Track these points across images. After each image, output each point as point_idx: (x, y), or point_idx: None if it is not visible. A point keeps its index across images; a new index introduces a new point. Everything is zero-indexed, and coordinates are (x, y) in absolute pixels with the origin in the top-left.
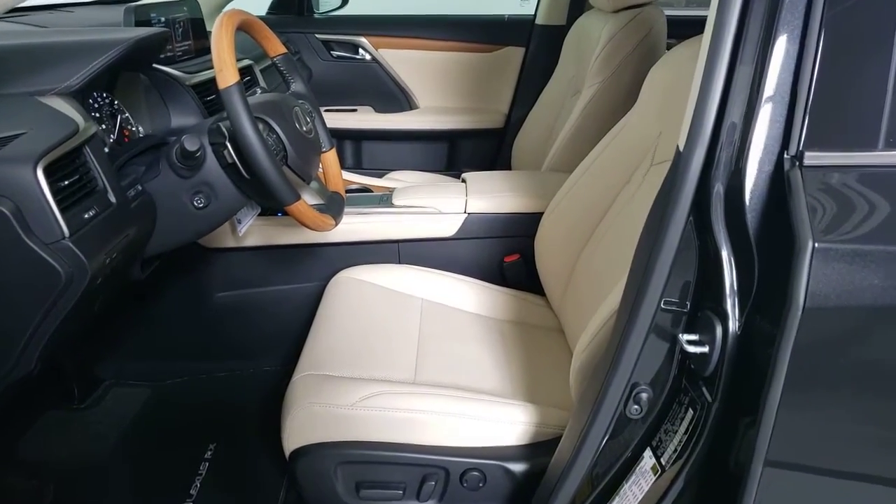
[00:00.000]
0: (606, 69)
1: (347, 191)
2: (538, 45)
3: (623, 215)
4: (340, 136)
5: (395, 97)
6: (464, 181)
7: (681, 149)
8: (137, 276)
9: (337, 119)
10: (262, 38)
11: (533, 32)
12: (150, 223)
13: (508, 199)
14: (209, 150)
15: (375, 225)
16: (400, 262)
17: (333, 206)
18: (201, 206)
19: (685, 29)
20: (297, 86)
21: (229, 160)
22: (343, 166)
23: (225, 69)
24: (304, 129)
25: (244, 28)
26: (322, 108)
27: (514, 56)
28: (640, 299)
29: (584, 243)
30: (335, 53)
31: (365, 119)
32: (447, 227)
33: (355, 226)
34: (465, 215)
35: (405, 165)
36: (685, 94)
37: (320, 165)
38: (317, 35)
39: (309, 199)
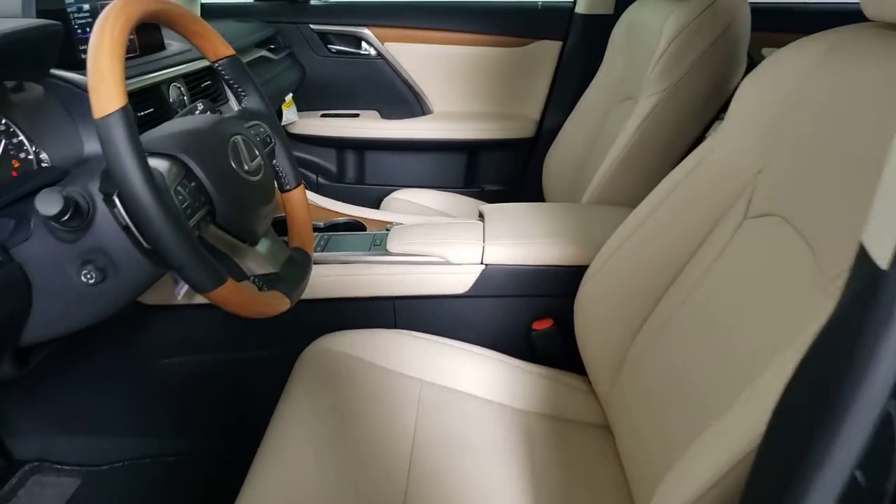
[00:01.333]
0: (672, 74)
1: (332, 226)
2: (578, 39)
3: (706, 283)
4: (340, 146)
5: (404, 100)
6: (481, 217)
7: (882, 264)
8: (9, 375)
9: (335, 126)
10: (192, 34)
11: (572, 23)
12: (18, 303)
13: (540, 246)
14: (100, 203)
15: (363, 278)
16: (396, 326)
17: (293, 272)
18: (93, 281)
19: (773, 20)
20: (250, 101)
21: (122, 221)
22: (342, 180)
23: (102, 87)
24: (248, 168)
25: (153, 20)
26: (318, 113)
27: (548, 52)
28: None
29: (646, 316)
30: (334, 48)
31: (369, 126)
32: (458, 281)
33: (337, 279)
34: (482, 267)
35: (415, 181)
36: (806, 122)
37: (279, 211)
38: (312, 26)
39: (256, 265)
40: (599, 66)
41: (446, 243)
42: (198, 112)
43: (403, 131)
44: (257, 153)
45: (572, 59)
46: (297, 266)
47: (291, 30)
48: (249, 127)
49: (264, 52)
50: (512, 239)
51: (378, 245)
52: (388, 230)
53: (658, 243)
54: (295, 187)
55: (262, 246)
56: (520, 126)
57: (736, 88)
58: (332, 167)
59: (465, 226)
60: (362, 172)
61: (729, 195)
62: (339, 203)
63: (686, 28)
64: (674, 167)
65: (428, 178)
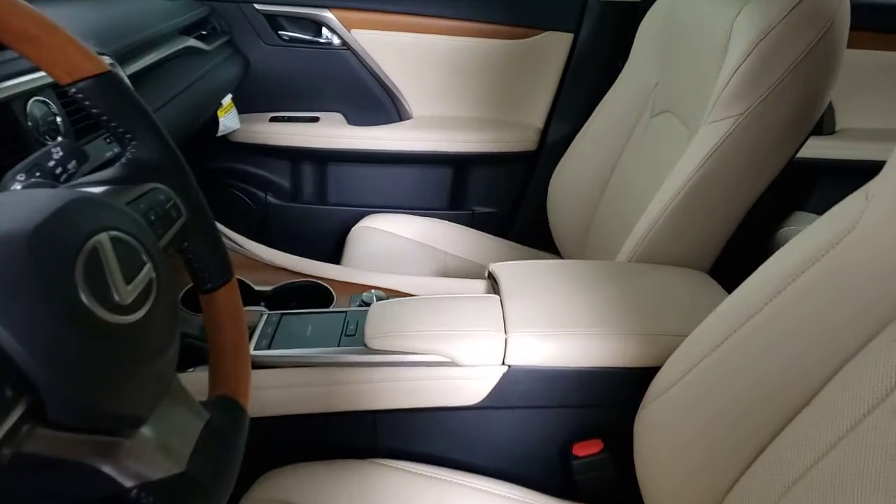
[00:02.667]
0: (752, 92)
1: (283, 290)
2: (594, 32)
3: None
4: (295, 157)
5: (376, 102)
6: (493, 283)
7: None
8: None
9: (289, 132)
10: (16, 37)
11: (586, 12)
12: None
13: (587, 338)
14: None
15: (333, 389)
16: (376, 448)
17: (212, 461)
18: None
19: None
20: (141, 147)
21: None
22: (297, 199)
23: None
24: (120, 298)
25: None
26: (267, 116)
27: (556, 46)
28: None
29: (757, 452)
30: (286, 35)
31: (331, 133)
32: (469, 389)
33: (292, 391)
34: (504, 369)
35: (389, 202)
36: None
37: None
38: (257, 6)
39: (143, 465)
40: (621, 65)
41: (452, 335)
42: (36, 176)
43: (375, 141)
44: (145, 260)
45: (586, 56)
46: (220, 444)
47: (231, 10)
48: (136, 200)
49: (192, 41)
50: (545, 326)
51: (352, 335)
52: (363, 303)
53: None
54: (221, 285)
55: (155, 425)
56: (519, 137)
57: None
58: (285, 183)
59: (475, 304)
60: (323, 191)
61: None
62: (292, 258)
63: (773, 30)
64: (749, 210)
65: (405, 199)
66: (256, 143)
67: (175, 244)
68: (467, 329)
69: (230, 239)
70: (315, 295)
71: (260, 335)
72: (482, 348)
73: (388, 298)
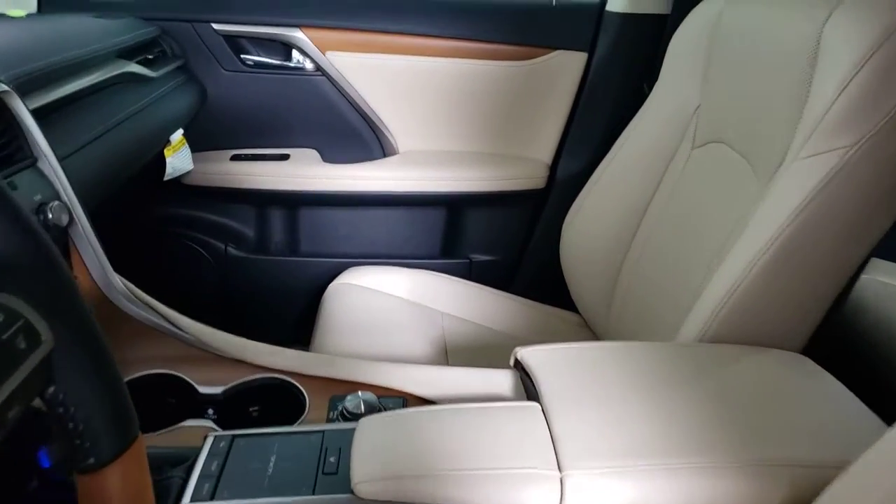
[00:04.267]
0: (869, 117)
1: (239, 392)
2: (612, 49)
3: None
4: (261, 201)
5: (356, 135)
6: (523, 373)
7: None
8: None
9: (253, 173)
10: None
11: (602, 27)
12: None
13: (687, 476)
14: None
15: None
16: None
17: None
18: None
19: None
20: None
21: None
22: (264, 250)
23: None
24: None
25: None
26: (227, 153)
27: (567, 67)
28: None
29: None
30: (249, 59)
31: (304, 173)
32: None
33: None
34: None
35: (372, 251)
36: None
37: None
38: (216, 25)
39: None
40: (647, 88)
41: (480, 477)
42: None
43: (355, 181)
44: None
45: (603, 78)
46: None
47: (184, 31)
48: None
49: (133, 66)
50: (618, 456)
51: (332, 472)
52: (346, 413)
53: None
54: (112, 459)
55: None
56: (525, 173)
57: None
58: (249, 231)
59: (508, 420)
60: (295, 240)
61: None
62: (250, 346)
63: (888, 40)
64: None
65: (391, 248)
66: (214, 185)
67: (25, 396)
68: (503, 466)
69: (167, 319)
70: (281, 397)
71: (200, 475)
72: (527, 498)
73: (378, 403)
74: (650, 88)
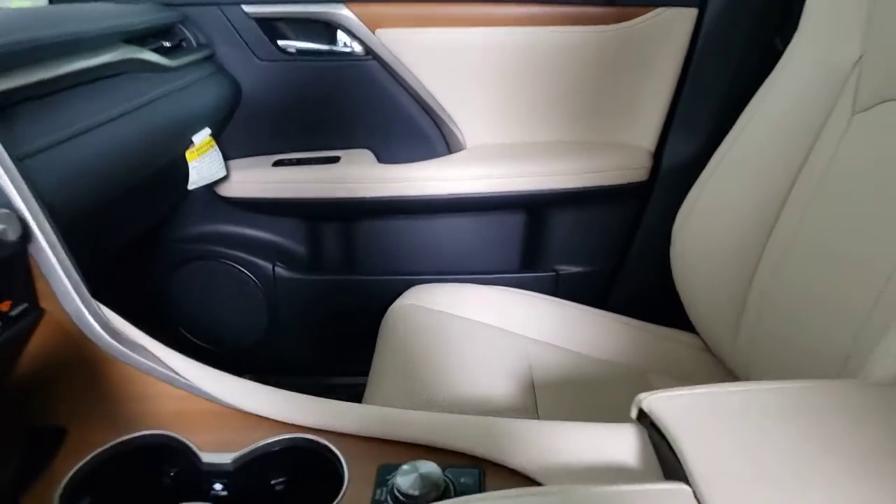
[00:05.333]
0: None
1: (255, 460)
2: (731, 2)
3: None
4: (310, 213)
5: (416, 130)
6: (655, 431)
7: None
8: None
9: (300, 180)
10: None
11: None
12: None
13: None
14: None
15: None
16: None
17: None
18: None
19: None
20: None
21: None
22: (316, 269)
23: None
24: None
25: None
26: (269, 159)
27: (672, 29)
28: None
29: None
30: (289, 45)
31: (358, 177)
32: None
33: None
34: None
35: (440, 267)
36: None
37: None
38: (246, 8)
39: None
40: (781, 45)
41: None
42: None
43: (416, 183)
44: None
45: (720, 39)
46: None
47: (211, 16)
48: None
49: (143, 53)
50: None
51: None
52: (399, 496)
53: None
54: None
55: None
56: (622, 163)
57: None
58: (299, 248)
59: None
60: (352, 255)
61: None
62: (265, 392)
63: None
64: None
65: (462, 261)
66: (256, 197)
67: None
68: None
69: (161, 361)
70: (312, 465)
71: None
72: None
73: (443, 478)
74: (785, 44)
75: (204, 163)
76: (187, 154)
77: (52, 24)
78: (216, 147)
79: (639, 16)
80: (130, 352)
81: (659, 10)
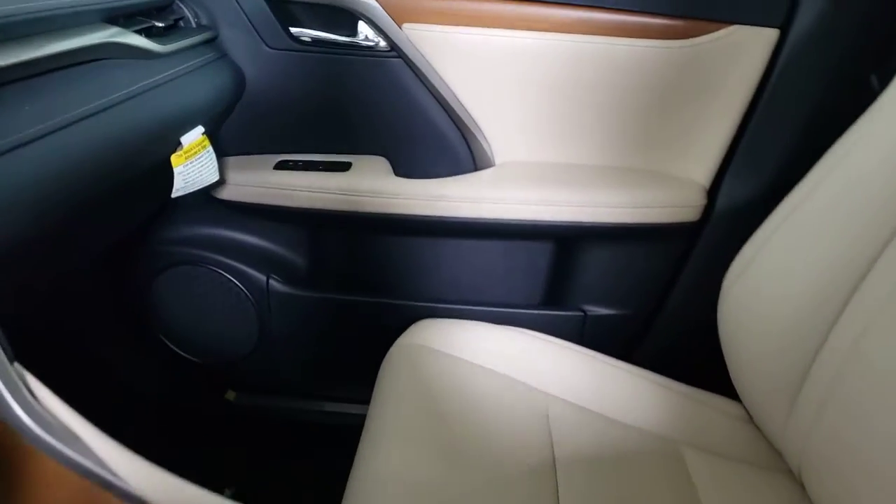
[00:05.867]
0: None
1: None
2: (820, 26)
3: None
4: (313, 223)
5: (440, 140)
6: None
7: None
8: None
9: (305, 186)
10: None
11: None
12: None
13: None
14: None
15: None
16: None
17: None
18: None
19: None
20: None
21: None
22: (315, 286)
23: None
24: None
25: None
26: (272, 159)
27: (745, 49)
28: None
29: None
30: (301, 33)
31: (370, 188)
32: None
33: None
34: None
35: (454, 292)
36: None
37: None
38: None
39: None
40: (878, 83)
41: None
42: None
43: (435, 202)
44: None
45: (802, 66)
46: None
47: None
48: None
49: (126, 37)
50: None
51: None
52: None
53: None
54: None
55: None
56: (670, 198)
57: None
58: (298, 259)
59: None
60: (354, 273)
61: None
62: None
63: None
64: None
65: (478, 290)
66: (253, 202)
67: None
68: None
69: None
70: None
71: None
72: None
73: None
74: (883, 84)
75: (193, 167)
76: (173, 158)
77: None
78: (209, 148)
79: (709, 32)
80: (57, 442)
81: (734, 27)
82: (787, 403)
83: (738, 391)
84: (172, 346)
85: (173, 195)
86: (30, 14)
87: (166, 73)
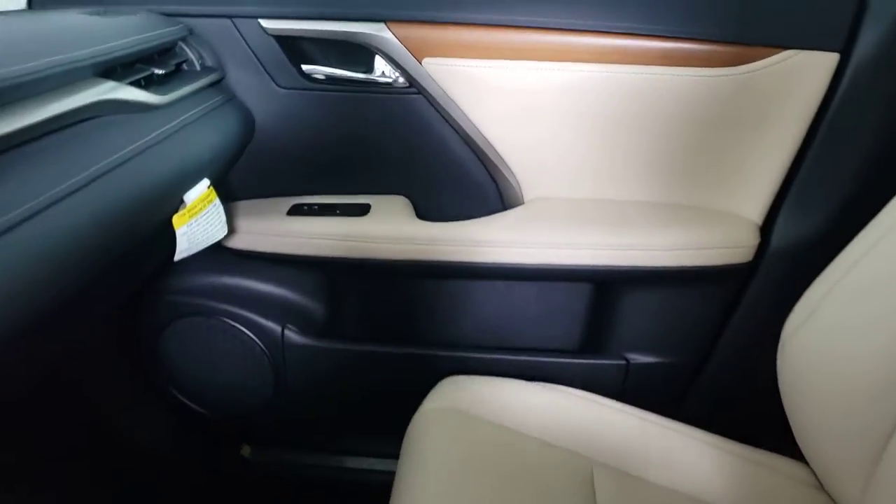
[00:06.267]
0: None
1: None
2: (885, 51)
3: None
4: (331, 269)
5: (465, 178)
6: None
7: None
8: None
9: (322, 232)
10: None
11: (867, 14)
12: None
13: None
14: None
15: None
16: None
17: None
18: None
19: None
20: None
21: None
22: (334, 334)
23: None
24: None
25: None
26: (286, 203)
27: (802, 76)
28: None
29: None
30: (314, 71)
31: (391, 233)
32: None
33: None
34: None
35: (484, 339)
36: None
37: None
38: (265, 23)
39: None
40: None
41: None
42: None
43: (464, 248)
44: None
45: (866, 95)
46: None
47: (221, 31)
48: None
49: (120, 91)
50: None
51: None
52: None
53: None
54: None
55: None
56: (719, 238)
57: None
58: (316, 308)
59: None
60: (377, 321)
61: None
62: None
63: None
64: None
65: (512, 336)
66: (266, 251)
67: None
68: None
69: None
70: None
71: None
72: None
73: None
74: None
75: (198, 226)
76: (175, 219)
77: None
78: (216, 201)
79: (761, 58)
80: None
81: (789, 52)
82: (864, 475)
83: (804, 453)
84: (183, 399)
85: (177, 258)
86: (18, 78)
87: (167, 127)
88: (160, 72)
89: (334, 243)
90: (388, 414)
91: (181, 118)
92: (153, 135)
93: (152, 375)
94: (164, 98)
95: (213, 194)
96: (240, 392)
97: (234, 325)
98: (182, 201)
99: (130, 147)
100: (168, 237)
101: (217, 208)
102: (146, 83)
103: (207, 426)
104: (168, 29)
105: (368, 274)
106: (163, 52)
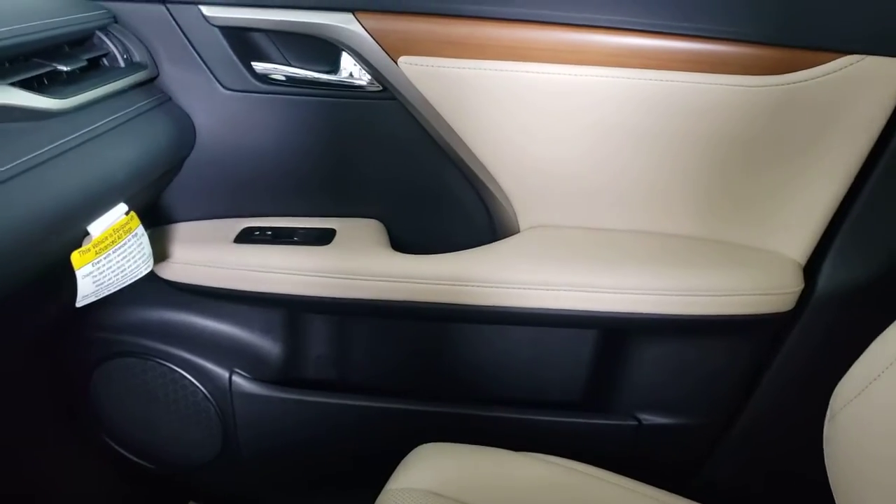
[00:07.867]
0: None
1: None
2: None
3: None
4: (286, 309)
5: (448, 199)
6: None
7: None
8: None
9: (275, 265)
10: None
11: None
12: None
13: None
14: None
15: None
16: None
17: None
18: None
19: None
20: None
21: None
22: (293, 382)
23: None
24: None
25: None
26: (238, 225)
27: (863, 87)
28: None
29: None
30: (267, 69)
31: (360, 268)
32: None
33: None
34: None
35: (471, 391)
36: None
37: None
38: (206, 10)
39: None
40: None
41: None
42: None
43: (448, 288)
44: None
45: None
46: None
47: (153, 20)
48: None
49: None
50: None
51: None
52: None
53: None
54: None
55: None
56: (756, 282)
57: None
58: (270, 349)
59: None
60: (342, 366)
61: None
62: None
63: None
64: None
65: (503, 390)
66: (208, 286)
67: None
68: None
69: None
70: None
71: None
72: None
73: None
74: None
75: (109, 264)
76: (74, 256)
77: None
78: (138, 230)
79: (815, 65)
80: None
81: (851, 58)
82: None
83: None
84: (120, 450)
85: (79, 303)
86: None
87: (65, 140)
88: (66, 69)
89: (291, 278)
90: (352, 476)
91: (89, 128)
92: (44, 150)
93: (84, 423)
94: (64, 102)
95: (135, 221)
96: (183, 445)
97: (172, 369)
98: (86, 233)
99: (8, 166)
100: (63, 289)
101: (138, 239)
102: (48, 82)
103: (148, 481)
104: (82, 14)
105: (330, 314)
106: (75, 44)
